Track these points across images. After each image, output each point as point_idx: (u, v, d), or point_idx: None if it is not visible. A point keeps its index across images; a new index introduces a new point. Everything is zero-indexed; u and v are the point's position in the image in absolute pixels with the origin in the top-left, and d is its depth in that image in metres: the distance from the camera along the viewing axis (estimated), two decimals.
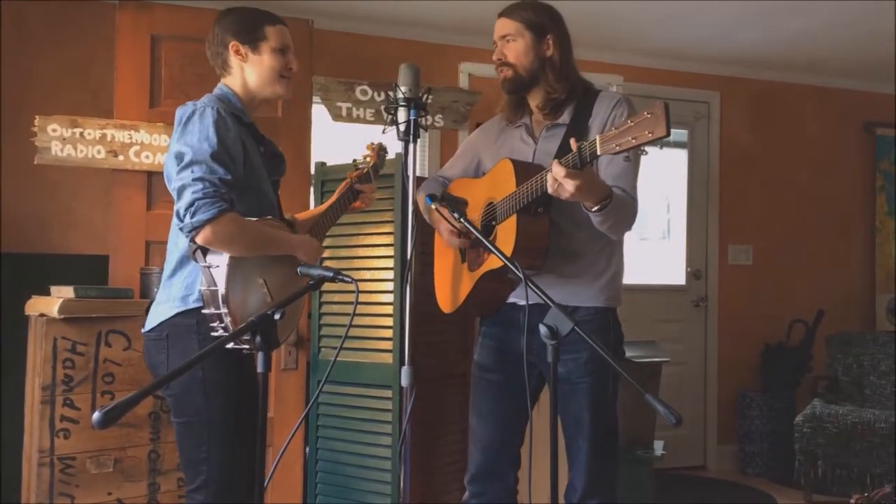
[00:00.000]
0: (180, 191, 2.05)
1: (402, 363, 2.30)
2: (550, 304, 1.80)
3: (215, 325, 2.05)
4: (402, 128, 2.34)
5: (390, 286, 3.17)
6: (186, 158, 2.06)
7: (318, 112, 3.90)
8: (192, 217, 2.01)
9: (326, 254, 3.29)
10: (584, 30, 4.48)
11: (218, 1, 3.65)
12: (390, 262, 3.18)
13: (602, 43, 4.81)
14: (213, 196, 2.02)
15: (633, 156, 2.20)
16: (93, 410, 2.89)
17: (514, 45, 2.31)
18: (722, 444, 5.32)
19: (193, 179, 2.03)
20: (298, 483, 3.45)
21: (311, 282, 1.99)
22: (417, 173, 2.41)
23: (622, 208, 2.13)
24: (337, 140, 4.25)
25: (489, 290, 2.34)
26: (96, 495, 2.97)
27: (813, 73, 5.48)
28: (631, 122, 1.80)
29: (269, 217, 2.23)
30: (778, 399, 5.07)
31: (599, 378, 2.24)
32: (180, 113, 2.15)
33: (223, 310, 2.03)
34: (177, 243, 2.18)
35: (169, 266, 2.21)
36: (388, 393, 3.13)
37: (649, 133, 1.76)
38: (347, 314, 3.18)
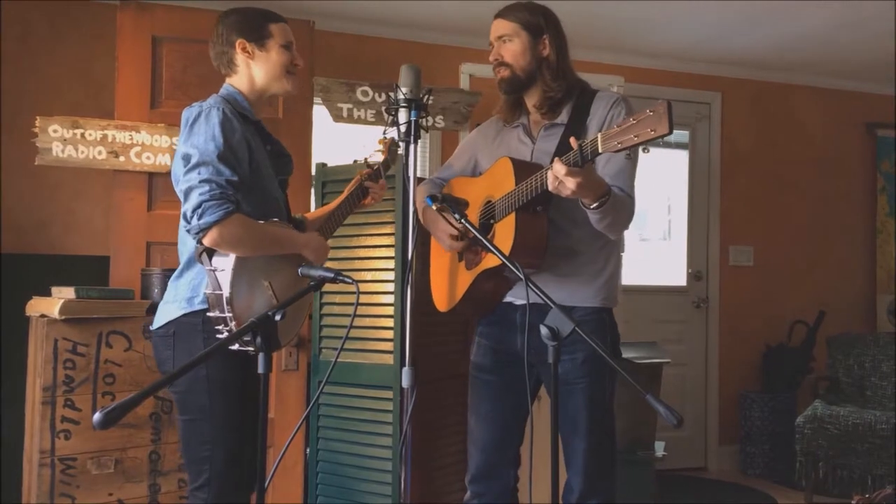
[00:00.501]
0: (187, 193, 2.06)
1: (402, 364, 2.30)
2: (551, 304, 1.80)
3: (220, 327, 2.06)
4: (402, 129, 2.34)
5: (391, 287, 3.17)
6: (193, 160, 2.07)
7: (319, 113, 3.90)
8: (199, 219, 2.02)
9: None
10: (586, 30, 4.49)
11: (219, 1, 3.66)
12: (391, 263, 3.17)
13: (603, 44, 4.81)
14: (220, 198, 2.03)
15: (632, 154, 2.20)
16: (93, 411, 2.90)
17: (510, 45, 2.32)
18: (723, 444, 5.32)
19: (200, 181, 2.04)
20: (299, 483, 3.45)
21: (312, 283, 1.99)
22: (418, 174, 2.41)
23: (620, 206, 2.14)
24: (338, 141, 4.26)
25: (487, 288, 2.34)
26: (97, 496, 2.97)
27: (814, 73, 5.47)
28: (633, 119, 1.80)
29: (276, 219, 2.24)
30: (779, 400, 5.07)
31: (596, 378, 2.25)
32: (186, 114, 2.17)
33: (228, 313, 2.04)
34: (186, 244, 2.20)
35: (179, 266, 2.23)
36: (389, 394, 3.13)
37: (652, 131, 1.76)
38: (348, 315, 3.17)
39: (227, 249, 2.07)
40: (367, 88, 3.88)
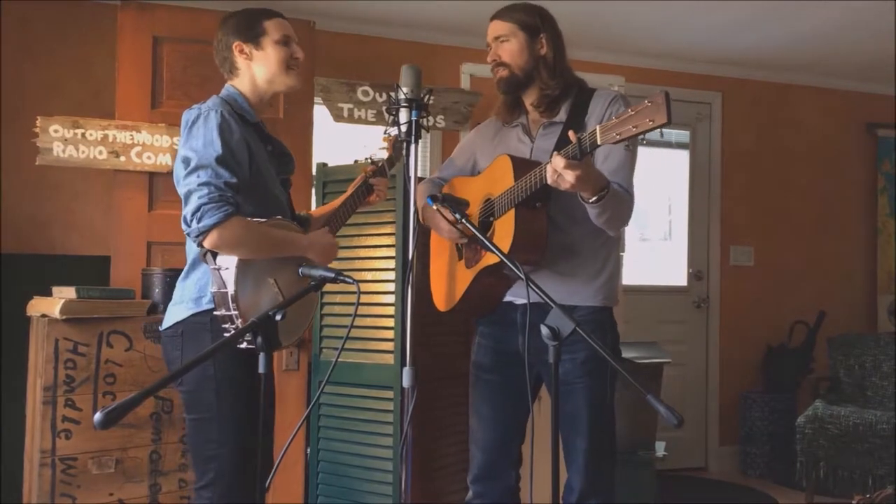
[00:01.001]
0: (187, 196, 2.07)
1: (403, 364, 2.30)
2: (552, 304, 1.80)
3: (227, 325, 2.07)
4: (403, 129, 2.34)
5: (392, 287, 3.17)
6: (192, 164, 2.08)
7: (320, 113, 3.90)
8: (198, 222, 2.03)
9: None
10: (586, 30, 4.49)
11: (220, 1, 3.67)
12: (392, 263, 3.18)
13: (604, 44, 4.81)
14: (219, 200, 2.04)
15: (631, 146, 2.20)
16: (94, 411, 2.90)
17: (508, 45, 2.33)
18: (723, 445, 5.31)
19: (199, 184, 2.05)
20: (299, 483, 3.45)
21: (313, 282, 2.00)
22: (419, 174, 2.41)
23: (619, 201, 2.14)
24: (338, 141, 4.26)
25: (486, 287, 2.34)
26: (97, 496, 2.97)
27: (814, 74, 5.47)
28: (632, 110, 1.80)
29: (279, 217, 2.24)
30: (779, 400, 5.07)
31: (597, 378, 2.25)
32: (185, 117, 2.17)
33: (233, 311, 2.05)
34: (191, 244, 2.21)
35: (185, 267, 2.24)
36: (390, 394, 3.13)
37: (650, 121, 1.77)
38: (349, 315, 3.17)
39: (228, 252, 2.07)
40: (367, 88, 3.88)
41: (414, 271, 2.31)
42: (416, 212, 2.36)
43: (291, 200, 2.41)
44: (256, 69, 2.28)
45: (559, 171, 1.94)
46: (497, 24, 2.37)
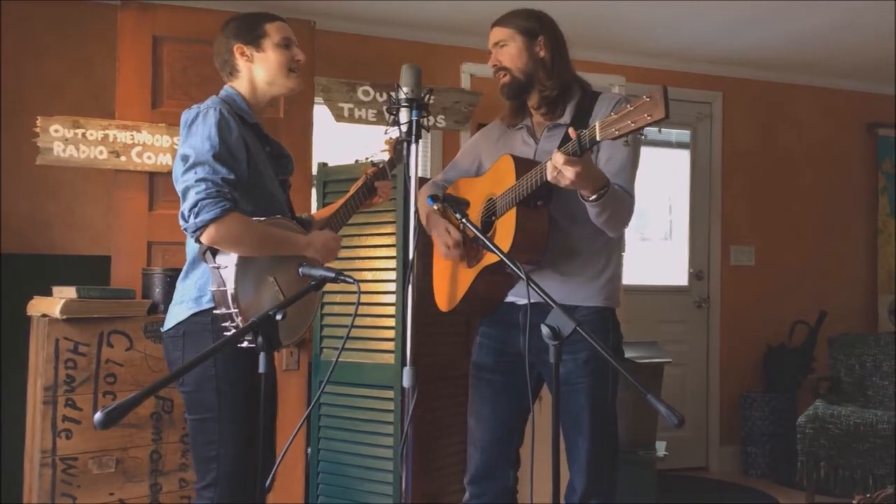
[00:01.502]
0: (184, 192, 2.08)
1: (403, 364, 2.30)
2: (552, 304, 1.80)
3: (227, 324, 2.07)
4: (403, 128, 2.34)
5: (392, 287, 3.17)
6: (190, 160, 2.09)
7: (320, 112, 3.90)
8: (195, 217, 2.03)
9: None
10: (587, 30, 4.48)
11: (220, 1, 3.67)
12: (392, 263, 3.18)
13: (604, 44, 4.81)
14: (216, 196, 2.04)
15: (631, 148, 2.20)
16: (95, 411, 2.90)
17: (507, 49, 2.35)
18: (724, 445, 5.31)
19: (196, 180, 2.05)
20: (300, 483, 3.45)
21: (313, 282, 2.00)
22: (419, 174, 2.41)
23: (619, 201, 2.15)
24: (339, 141, 4.26)
25: (488, 286, 2.34)
26: (98, 496, 2.97)
27: (815, 73, 5.47)
28: (630, 106, 1.81)
29: (279, 216, 2.24)
30: (780, 400, 5.07)
31: (599, 378, 2.25)
32: (185, 116, 2.18)
33: (233, 309, 2.05)
34: (191, 244, 2.22)
35: (184, 267, 2.25)
36: (390, 393, 3.13)
37: (648, 116, 1.77)
38: (349, 315, 3.17)
39: (226, 247, 2.08)
40: (368, 88, 3.88)
41: (414, 271, 2.31)
42: (416, 212, 2.36)
43: (291, 202, 2.41)
44: (257, 71, 2.29)
45: (559, 167, 1.95)
46: (496, 30, 2.39)
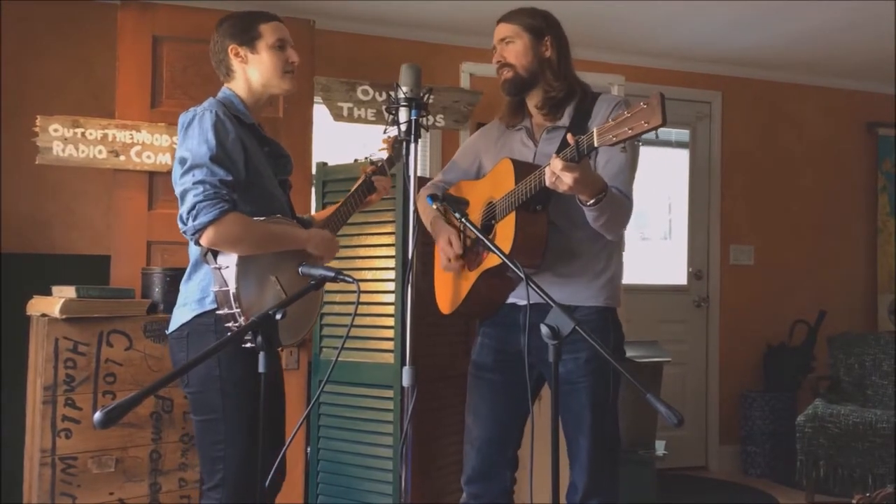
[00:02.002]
0: (182, 195, 2.08)
1: (403, 363, 2.30)
2: (552, 303, 1.80)
3: (230, 324, 2.07)
4: (403, 128, 2.34)
5: (392, 286, 3.17)
6: (187, 163, 2.09)
7: (320, 112, 3.90)
8: (194, 220, 2.04)
9: None
10: (586, 30, 4.48)
11: (220, 1, 3.67)
12: (392, 263, 3.18)
13: (604, 43, 4.81)
14: (214, 198, 2.05)
15: (630, 152, 2.20)
16: (94, 410, 2.89)
17: (513, 46, 2.34)
18: (723, 444, 5.31)
19: (194, 183, 2.06)
20: (299, 483, 3.45)
21: (313, 282, 2.00)
22: (418, 173, 2.41)
23: (617, 205, 2.15)
24: (338, 140, 4.26)
25: (488, 289, 2.34)
26: (98, 495, 2.97)
27: (814, 73, 5.47)
28: (627, 113, 1.81)
29: (279, 215, 2.24)
30: (780, 399, 5.07)
31: (600, 377, 2.25)
32: (182, 119, 2.19)
33: (236, 309, 2.06)
34: (192, 247, 2.21)
35: (187, 270, 2.25)
36: (390, 393, 3.13)
37: (645, 123, 1.77)
38: (349, 314, 3.18)
39: (226, 248, 2.08)
40: (367, 87, 3.88)
41: (414, 270, 2.31)
42: (416, 211, 2.37)
43: (291, 202, 2.41)
44: (251, 72, 2.29)
45: (557, 173, 1.95)
46: (502, 26, 2.38)
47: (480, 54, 4.44)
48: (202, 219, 2.03)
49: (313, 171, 3.54)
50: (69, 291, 2.97)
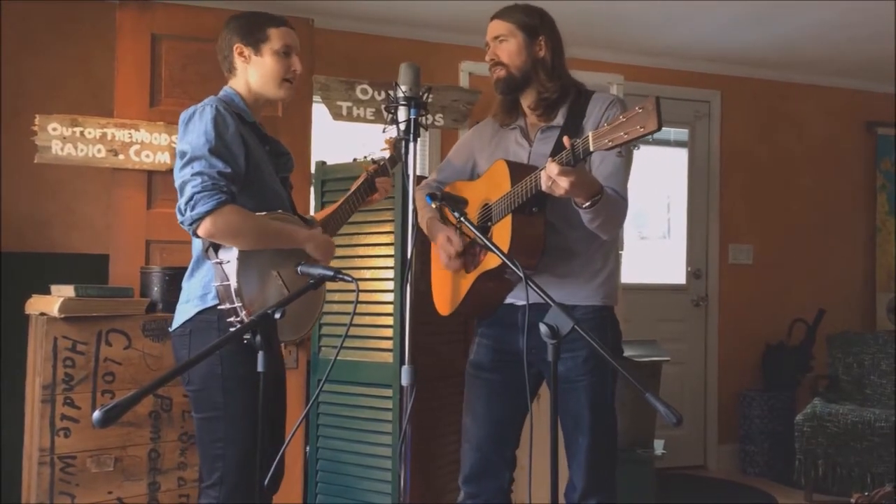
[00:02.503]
0: (181, 187, 2.09)
1: (402, 362, 2.30)
2: (550, 302, 1.80)
3: (232, 319, 2.08)
4: (402, 127, 2.34)
5: (390, 285, 3.17)
6: (187, 156, 2.10)
7: (319, 111, 3.89)
8: (191, 210, 2.05)
9: None
10: (585, 29, 4.48)
11: (219, 0, 3.66)
12: (390, 262, 3.18)
13: (603, 42, 4.81)
14: (212, 189, 2.06)
15: (625, 153, 2.20)
16: (93, 409, 2.90)
17: (506, 45, 2.33)
18: (722, 443, 5.32)
19: (192, 175, 2.07)
20: (298, 482, 3.45)
21: (312, 281, 2.00)
22: (417, 172, 2.41)
23: (612, 207, 2.15)
24: (337, 139, 4.26)
25: (487, 291, 2.34)
26: (97, 494, 2.97)
27: (814, 72, 5.47)
28: (623, 117, 1.81)
29: (280, 211, 2.25)
30: (778, 399, 5.07)
31: (599, 376, 2.25)
32: (183, 115, 2.20)
33: (237, 304, 2.06)
34: (195, 243, 2.23)
35: (189, 267, 2.26)
36: (389, 392, 3.13)
37: (641, 128, 1.77)
38: (348, 313, 3.18)
39: (224, 240, 2.09)
40: (366, 87, 3.88)
41: (413, 270, 2.31)
42: (415, 210, 2.36)
43: (292, 199, 2.42)
44: (251, 74, 2.30)
45: (553, 178, 1.95)
46: (496, 23, 2.36)
47: (479, 53, 4.39)
48: (199, 209, 2.03)
49: (312, 170, 3.54)
50: (68, 290, 2.97)
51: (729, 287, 5.37)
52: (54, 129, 3.35)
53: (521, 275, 1.88)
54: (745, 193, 5.44)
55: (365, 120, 3.87)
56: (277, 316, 1.75)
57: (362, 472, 3.18)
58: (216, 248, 2.11)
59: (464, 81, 4.57)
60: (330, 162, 3.42)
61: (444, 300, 2.50)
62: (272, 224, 2.19)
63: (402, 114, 2.34)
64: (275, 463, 1.95)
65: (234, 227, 2.07)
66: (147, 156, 3.45)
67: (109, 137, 3.41)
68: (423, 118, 2.38)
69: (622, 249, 2.48)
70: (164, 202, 3.48)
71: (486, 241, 2.05)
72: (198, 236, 2.10)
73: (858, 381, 4.83)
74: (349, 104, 3.83)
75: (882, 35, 4.55)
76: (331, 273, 1.98)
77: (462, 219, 2.14)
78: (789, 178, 5.55)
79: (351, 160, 2.77)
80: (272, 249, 2.18)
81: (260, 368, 1.75)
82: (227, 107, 2.20)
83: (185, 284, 2.26)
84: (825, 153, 5.64)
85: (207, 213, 2.03)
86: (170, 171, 3.34)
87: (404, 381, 2.28)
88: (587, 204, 2.05)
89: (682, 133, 5.38)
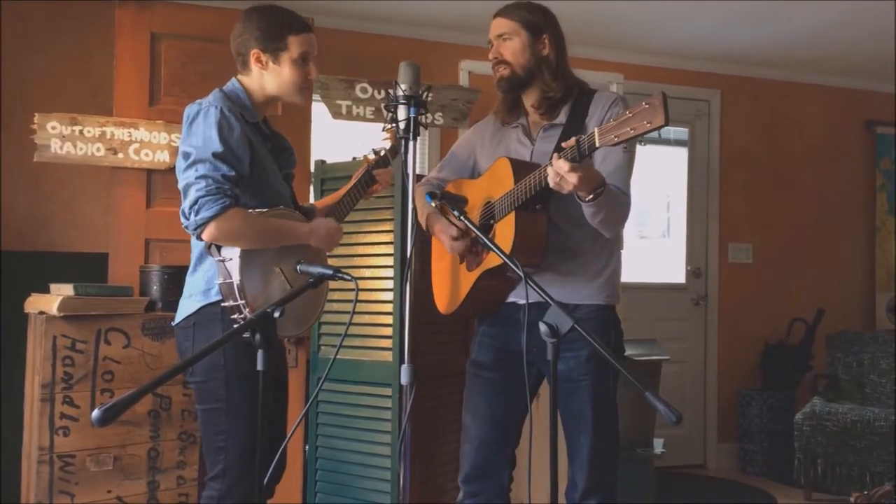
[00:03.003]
0: (185, 190, 2.10)
1: (401, 361, 2.30)
2: (550, 302, 1.79)
3: (236, 316, 2.08)
4: (401, 125, 2.34)
5: (390, 284, 3.17)
6: (191, 158, 2.10)
7: (318, 110, 3.89)
8: (196, 215, 2.05)
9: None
10: (585, 28, 4.48)
11: (218, 0, 3.66)
12: (390, 261, 3.17)
13: (603, 41, 4.81)
14: (216, 193, 2.06)
15: (629, 148, 2.20)
16: (92, 408, 2.89)
17: (510, 43, 2.32)
18: (722, 442, 5.32)
19: (197, 178, 2.07)
20: (298, 481, 3.45)
21: (311, 279, 2.00)
22: (417, 171, 2.41)
23: (615, 201, 2.14)
24: (337, 138, 4.25)
25: (488, 289, 2.33)
26: (96, 493, 2.97)
27: (813, 71, 5.47)
28: (629, 113, 1.80)
29: (281, 207, 2.25)
30: (778, 398, 5.07)
31: (600, 375, 2.24)
32: (186, 113, 2.19)
33: (240, 301, 2.07)
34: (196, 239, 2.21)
35: (191, 262, 2.26)
36: (388, 391, 3.13)
37: (648, 123, 1.76)
38: (347, 312, 3.17)
39: (227, 243, 2.09)
40: (366, 85, 3.87)
41: (412, 268, 2.31)
42: (414, 209, 2.36)
43: (295, 195, 2.42)
44: (267, 80, 2.29)
45: (562, 174, 1.93)
46: (500, 21, 2.35)
47: (479, 52, 4.41)
48: (204, 214, 2.04)
49: (312, 168, 3.53)
50: (67, 289, 2.97)
51: (728, 286, 5.38)
52: (53, 128, 3.35)
53: (521, 273, 1.87)
54: (745, 193, 5.44)
55: (364, 119, 3.87)
56: (277, 315, 1.75)
57: (362, 470, 3.18)
58: (218, 245, 2.12)
59: (463, 80, 4.57)
60: (329, 161, 3.42)
61: (444, 298, 2.49)
62: (275, 224, 2.19)
63: (401, 112, 2.34)
64: (277, 456, 1.95)
65: (238, 230, 2.08)
66: (146, 154, 3.44)
67: (109, 136, 3.41)
68: (423, 117, 2.37)
69: (622, 248, 2.47)
70: (163, 201, 3.48)
71: (485, 239, 2.05)
72: (202, 240, 2.11)
73: (858, 381, 4.83)
74: (349, 103, 3.83)
75: (882, 35, 4.55)
76: (330, 272, 1.98)
77: (462, 218, 2.13)
78: (789, 177, 5.55)
79: (350, 159, 2.77)
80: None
81: (259, 367, 1.75)
82: (231, 104, 2.19)
83: (188, 279, 2.27)
84: (825, 152, 5.64)
85: (211, 218, 2.04)
86: (169, 170, 3.34)
87: (404, 379, 2.28)
88: (590, 197, 2.04)
89: (681, 132, 5.37)
